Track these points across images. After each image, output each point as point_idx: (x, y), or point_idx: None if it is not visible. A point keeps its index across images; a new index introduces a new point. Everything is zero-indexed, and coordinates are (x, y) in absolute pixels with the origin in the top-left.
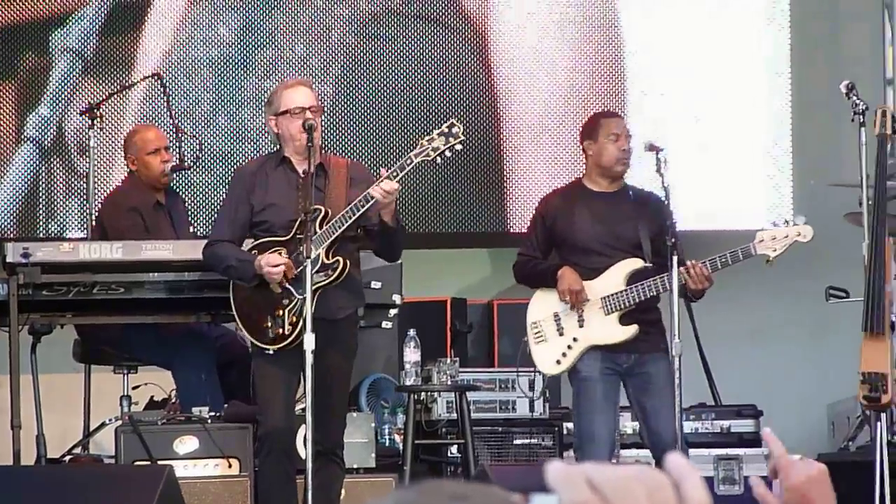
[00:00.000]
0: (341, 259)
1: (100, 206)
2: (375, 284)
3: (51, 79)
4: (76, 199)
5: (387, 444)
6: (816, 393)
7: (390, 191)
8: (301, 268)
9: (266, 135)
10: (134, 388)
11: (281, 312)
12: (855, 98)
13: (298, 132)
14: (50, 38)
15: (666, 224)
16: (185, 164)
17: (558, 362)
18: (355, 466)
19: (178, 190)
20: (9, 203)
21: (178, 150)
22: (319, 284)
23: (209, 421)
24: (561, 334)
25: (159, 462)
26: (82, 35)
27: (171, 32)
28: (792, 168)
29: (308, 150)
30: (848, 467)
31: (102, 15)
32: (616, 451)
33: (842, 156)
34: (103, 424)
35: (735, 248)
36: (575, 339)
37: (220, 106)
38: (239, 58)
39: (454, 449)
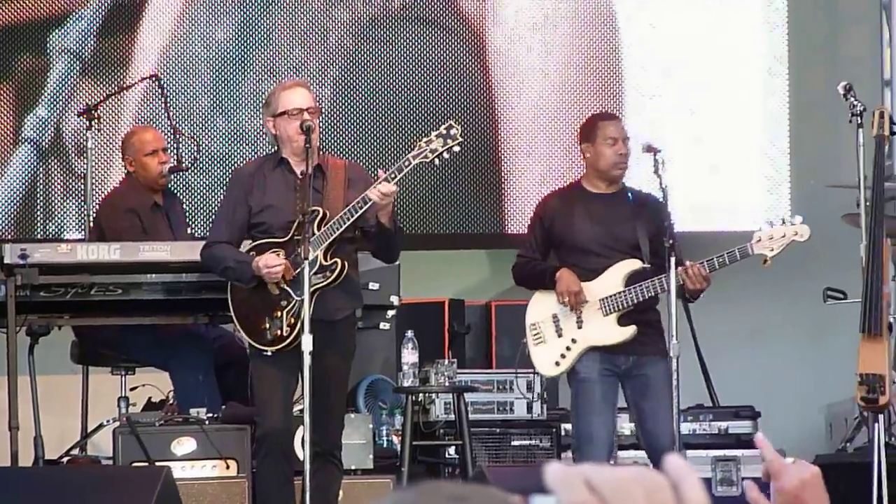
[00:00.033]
0: (339, 261)
1: (97, 207)
2: (373, 286)
3: (49, 80)
4: (74, 201)
5: (384, 445)
6: (814, 394)
7: (388, 193)
8: (299, 269)
9: (265, 137)
10: (132, 389)
11: (279, 314)
12: (853, 99)
13: (296, 133)
14: (48, 39)
15: (664, 225)
16: (183, 165)
17: (557, 364)
18: (353, 468)
19: (176, 192)
20: (7, 204)
21: (175, 151)
22: (317, 286)
23: (207, 422)
24: (560, 336)
25: (157, 463)
26: (80, 36)
27: (169, 33)
28: (790, 169)
29: (306, 151)
30: (845, 468)
31: (100, 16)
32: (613, 453)
33: (840, 157)
34: (101, 426)
35: (732, 249)
36: (574, 341)
37: (218, 108)
38: (237, 60)
39: (452, 450)
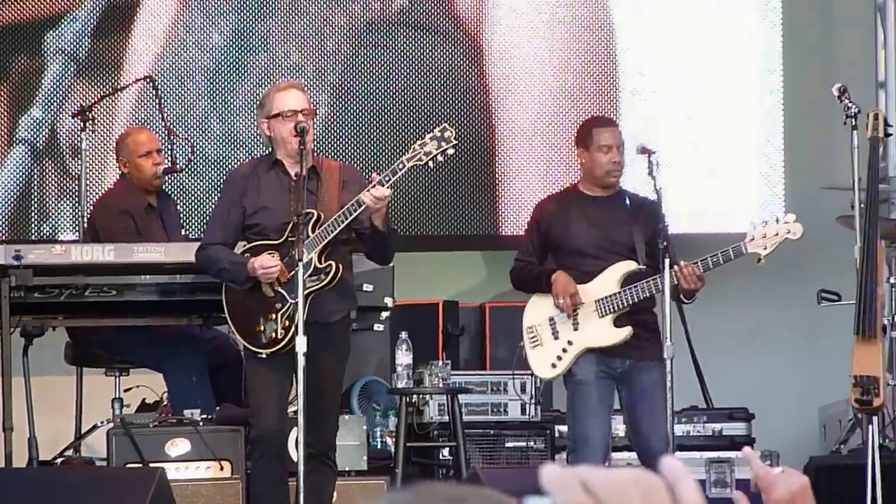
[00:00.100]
0: (334, 263)
1: (91, 208)
2: (367, 287)
3: (44, 80)
4: (69, 201)
5: (378, 446)
6: (808, 396)
7: (381, 197)
8: (294, 271)
9: (261, 140)
10: (125, 390)
11: (274, 316)
12: (847, 101)
13: (290, 135)
14: (43, 39)
15: (659, 227)
16: (178, 166)
17: (553, 366)
18: (347, 469)
19: (171, 194)
20: (1, 205)
21: (170, 152)
22: (312, 289)
23: (201, 423)
24: (556, 338)
25: (151, 464)
26: (75, 37)
27: (166, 36)
28: (784, 170)
29: (300, 152)
30: (839, 470)
31: (95, 17)
32: (608, 454)
33: (834, 158)
34: (95, 427)
35: (726, 248)
36: (570, 343)
37: (214, 111)
38: (233, 63)
39: (446, 452)
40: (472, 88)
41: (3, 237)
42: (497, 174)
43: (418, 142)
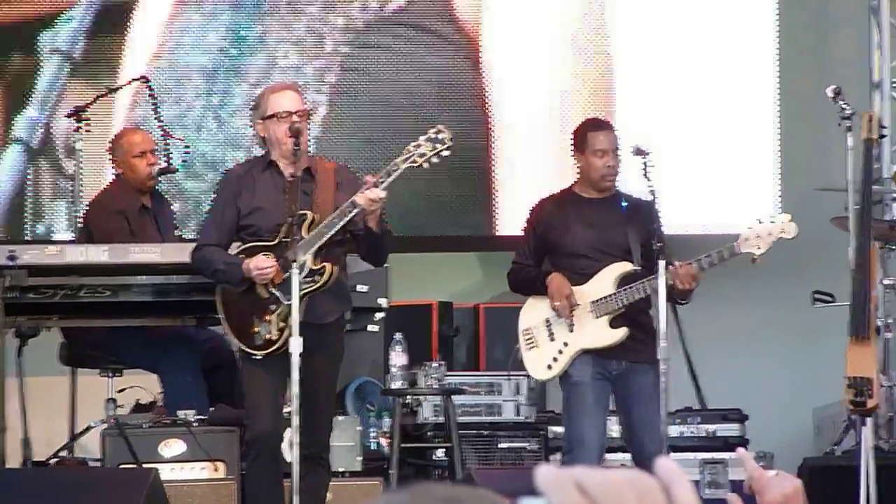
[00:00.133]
0: (328, 265)
1: (86, 208)
2: (362, 288)
3: (39, 80)
4: (64, 201)
5: (372, 447)
6: (802, 397)
7: (376, 199)
8: (289, 273)
9: (258, 141)
10: (120, 391)
11: (269, 318)
12: (842, 102)
13: (285, 136)
14: (38, 39)
15: (653, 228)
16: (172, 167)
17: (549, 367)
18: (341, 470)
19: (166, 195)
20: None
21: (164, 153)
22: (307, 290)
23: (195, 424)
24: (552, 340)
25: (145, 465)
26: (70, 36)
27: (161, 35)
28: (779, 172)
29: (295, 153)
30: (833, 472)
31: (91, 16)
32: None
33: (829, 160)
34: (89, 427)
35: (720, 248)
36: (566, 344)
37: (211, 111)
38: (232, 64)
39: (440, 452)
40: (469, 88)
41: None
42: (494, 175)
43: (413, 143)
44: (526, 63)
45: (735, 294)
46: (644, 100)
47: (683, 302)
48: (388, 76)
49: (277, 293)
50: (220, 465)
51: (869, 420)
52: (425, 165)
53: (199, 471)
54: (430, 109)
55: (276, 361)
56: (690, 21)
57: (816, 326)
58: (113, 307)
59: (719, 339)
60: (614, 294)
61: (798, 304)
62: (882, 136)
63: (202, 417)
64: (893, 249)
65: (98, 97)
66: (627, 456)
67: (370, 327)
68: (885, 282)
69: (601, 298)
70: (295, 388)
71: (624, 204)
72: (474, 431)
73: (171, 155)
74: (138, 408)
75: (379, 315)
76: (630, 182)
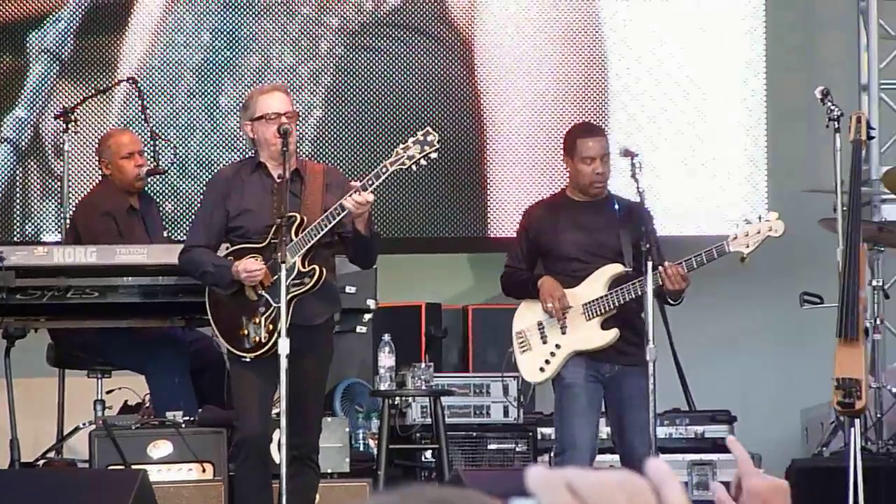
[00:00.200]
0: (317, 267)
1: (74, 209)
2: (350, 289)
3: (27, 80)
4: (52, 202)
5: (361, 448)
6: (790, 398)
7: (364, 202)
8: (277, 275)
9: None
10: (108, 392)
11: (258, 320)
12: (830, 104)
13: (273, 137)
14: (27, 39)
15: (643, 229)
16: (160, 168)
17: (542, 370)
18: (329, 471)
19: (162, 197)
20: None
21: (153, 154)
22: (295, 293)
23: (183, 425)
24: (544, 342)
25: (133, 466)
26: (59, 37)
27: (152, 34)
28: (767, 173)
29: (283, 155)
30: (821, 473)
31: (80, 16)
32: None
33: (817, 161)
34: (77, 429)
35: (709, 247)
36: (558, 346)
37: (203, 111)
38: (224, 65)
39: (428, 454)
40: (463, 90)
41: None
42: (486, 176)
43: (401, 146)
44: (519, 65)
45: (723, 295)
46: (635, 102)
47: (675, 302)
48: (382, 78)
49: (267, 295)
50: (208, 466)
51: (857, 421)
52: (413, 168)
53: (187, 472)
54: (424, 111)
55: (265, 363)
56: (680, 23)
57: (805, 328)
58: (100, 308)
59: (708, 340)
60: (606, 296)
61: (786, 306)
62: (870, 138)
63: (190, 419)
64: (882, 251)
65: (87, 98)
66: (616, 457)
67: (358, 328)
68: (874, 283)
69: (593, 300)
70: (284, 389)
71: (617, 207)
72: (463, 433)
73: (159, 156)
74: (126, 409)
75: (367, 316)
76: (618, 184)
